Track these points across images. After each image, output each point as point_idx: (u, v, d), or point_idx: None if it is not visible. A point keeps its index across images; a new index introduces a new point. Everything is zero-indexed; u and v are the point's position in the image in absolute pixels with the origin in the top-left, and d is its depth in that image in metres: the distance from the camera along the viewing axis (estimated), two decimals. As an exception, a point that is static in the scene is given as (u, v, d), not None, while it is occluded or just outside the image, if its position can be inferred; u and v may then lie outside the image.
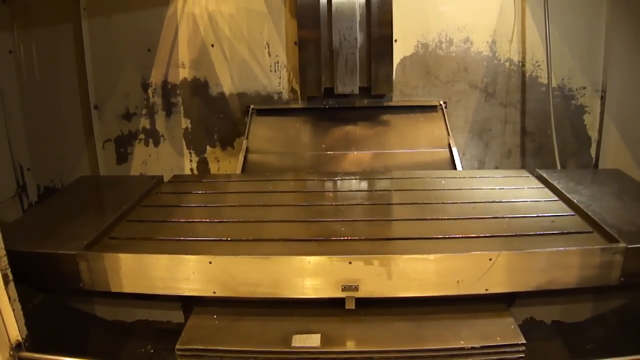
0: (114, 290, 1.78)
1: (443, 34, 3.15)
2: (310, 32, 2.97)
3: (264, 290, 1.74)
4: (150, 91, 3.26)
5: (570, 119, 3.21)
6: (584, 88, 3.17)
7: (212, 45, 3.20)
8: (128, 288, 1.78)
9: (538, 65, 3.14)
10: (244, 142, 3.05)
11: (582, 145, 3.22)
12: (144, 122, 3.32)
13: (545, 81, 3.11)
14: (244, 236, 1.89)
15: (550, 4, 3.02)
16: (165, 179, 2.61)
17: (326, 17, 2.90)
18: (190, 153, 3.34)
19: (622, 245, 1.73)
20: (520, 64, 3.16)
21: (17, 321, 1.57)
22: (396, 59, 3.16)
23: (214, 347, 1.68)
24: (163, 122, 3.31)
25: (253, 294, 1.75)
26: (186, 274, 1.74)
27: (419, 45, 3.17)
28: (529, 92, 3.17)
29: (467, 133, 3.27)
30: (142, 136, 3.33)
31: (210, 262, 1.71)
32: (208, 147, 3.34)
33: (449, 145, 2.96)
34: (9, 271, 1.54)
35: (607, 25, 3.10)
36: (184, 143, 3.33)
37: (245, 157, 2.98)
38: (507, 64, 3.17)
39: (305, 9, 2.94)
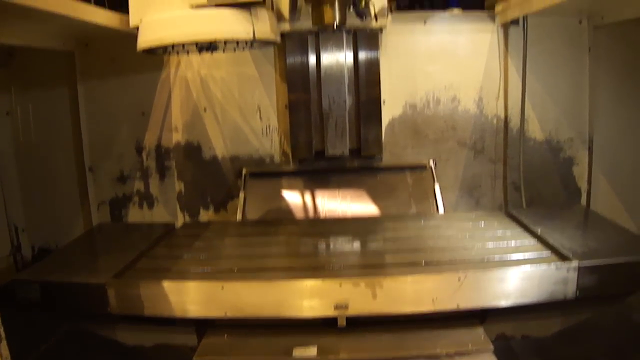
0: (137, 313, 2.68)
1: (430, 93, 4.09)
2: (300, 95, 3.87)
3: (268, 311, 2.63)
4: (144, 154, 4.15)
5: (559, 171, 4.10)
6: (571, 140, 4.07)
7: (205, 109, 4.11)
8: (150, 312, 2.66)
9: (525, 120, 4.04)
10: (239, 204, 3.93)
11: (573, 197, 4.10)
12: (138, 185, 4.19)
13: (533, 135, 4.07)
14: (250, 267, 2.82)
15: (533, 59, 3.96)
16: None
17: (315, 80, 3.82)
18: (184, 216, 4.19)
19: (574, 263, 2.65)
20: (507, 119, 4.10)
21: None
22: (385, 120, 4.06)
23: (227, 357, 2.56)
24: (157, 185, 4.18)
25: (259, 314, 2.64)
26: (201, 298, 2.64)
27: (407, 106, 4.11)
28: (517, 147, 4.05)
29: (457, 191, 4.17)
30: (136, 199, 4.20)
31: (222, 288, 2.61)
32: (202, 209, 4.20)
33: (437, 204, 3.86)
34: (2, 330, 1.91)
35: (591, 77, 4.00)
36: (177, 206, 4.19)
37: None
38: (495, 120, 4.11)
39: (295, 73, 3.86)
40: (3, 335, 1.92)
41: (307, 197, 4.00)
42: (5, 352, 1.93)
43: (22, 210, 4.04)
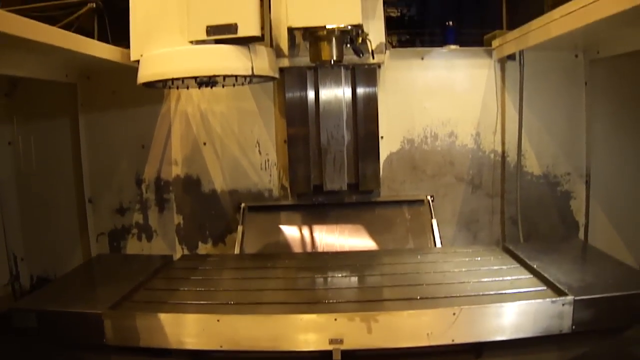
0: (133, 344, 2.69)
1: (428, 129, 4.18)
2: (299, 130, 3.96)
3: (264, 344, 2.63)
4: (143, 187, 4.23)
5: (556, 205, 4.17)
6: (569, 174, 4.15)
7: (204, 144, 4.19)
8: (145, 343, 2.66)
9: (522, 155, 4.13)
10: (237, 238, 3.96)
11: (570, 231, 4.16)
12: (137, 217, 4.26)
13: (530, 169, 4.14)
14: (247, 300, 2.84)
15: (530, 94, 4.06)
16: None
17: (314, 116, 3.90)
18: (182, 249, 4.25)
19: (569, 297, 2.67)
20: (505, 154, 4.18)
21: None
22: (383, 155, 4.14)
23: (222, 391, 2.58)
24: (156, 217, 4.25)
25: (254, 348, 2.64)
26: (197, 330, 2.64)
27: (405, 141, 4.20)
28: (514, 182, 4.12)
29: (455, 225, 4.23)
30: (135, 231, 4.27)
31: (218, 320, 2.61)
32: (200, 242, 4.26)
33: (434, 239, 3.90)
34: None
35: (587, 111, 4.09)
36: (176, 239, 4.25)
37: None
38: (492, 155, 4.19)
39: (293, 108, 3.95)
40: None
41: (305, 231, 4.05)
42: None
43: (22, 240, 4.10)
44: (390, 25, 5.06)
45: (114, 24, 4.58)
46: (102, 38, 3.99)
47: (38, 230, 4.21)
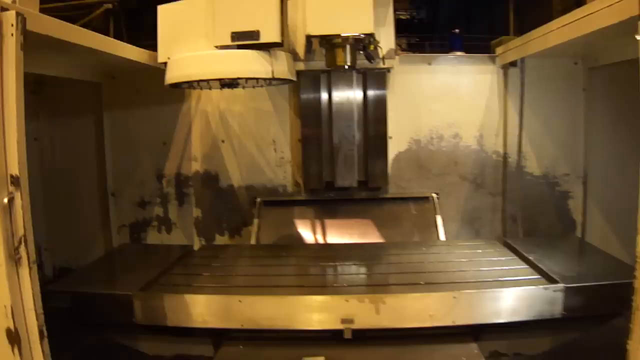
0: (160, 323, 2.99)
1: (434, 130, 4.45)
2: (313, 130, 4.25)
3: (281, 323, 2.93)
4: (164, 181, 4.50)
5: (555, 204, 4.42)
6: (567, 175, 4.39)
7: (223, 141, 4.46)
8: (172, 322, 2.97)
9: (523, 156, 4.39)
10: (253, 231, 4.26)
11: (568, 229, 4.40)
12: (158, 210, 4.53)
13: (530, 170, 4.40)
14: (264, 284, 3.14)
15: (531, 99, 4.33)
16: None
17: (327, 117, 4.17)
18: (200, 240, 4.51)
19: (560, 285, 2.96)
20: (507, 155, 4.44)
21: None
22: (391, 155, 4.41)
23: (242, 366, 2.88)
24: (175, 210, 4.52)
25: (272, 326, 2.93)
26: (220, 310, 2.95)
27: (412, 142, 4.46)
28: (515, 181, 4.39)
29: (458, 222, 4.50)
30: (155, 223, 4.54)
31: (240, 301, 2.92)
32: (217, 235, 4.52)
33: (438, 233, 4.18)
34: (44, 328, 2.23)
35: (585, 116, 4.33)
36: (194, 231, 4.51)
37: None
38: (494, 155, 4.46)
39: (308, 109, 4.24)
40: (46, 333, 2.25)
41: (317, 224, 4.33)
42: (47, 349, 2.26)
43: (45, 231, 4.35)
44: (400, 27, 5.32)
45: (129, 24, 4.89)
46: (117, 38, 4.23)
47: (61, 222, 4.45)
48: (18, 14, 2.13)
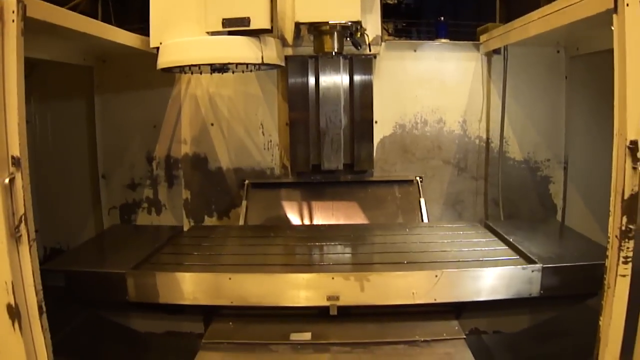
0: (153, 301, 3.10)
1: (418, 115, 4.56)
2: (300, 114, 4.35)
3: (269, 300, 3.05)
4: (154, 164, 4.58)
5: (536, 189, 4.57)
6: (548, 160, 4.54)
7: (212, 124, 4.54)
8: (164, 299, 3.08)
9: (505, 141, 4.52)
10: (241, 212, 4.37)
11: (549, 213, 4.55)
12: (148, 192, 4.62)
13: (512, 155, 4.54)
14: (253, 263, 3.27)
15: (513, 86, 4.45)
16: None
17: (314, 101, 4.28)
18: (189, 222, 4.60)
19: (538, 265, 3.10)
20: (489, 140, 4.57)
21: (46, 348, 2.33)
22: (376, 139, 4.52)
23: (231, 341, 2.99)
24: (165, 192, 4.61)
25: (261, 303, 3.06)
26: (210, 287, 3.06)
27: (397, 126, 4.58)
28: (497, 166, 4.51)
29: (441, 204, 4.63)
30: (145, 205, 4.63)
31: (230, 279, 3.03)
32: (206, 216, 4.62)
33: (422, 216, 4.33)
34: (43, 304, 2.33)
35: (567, 103, 4.46)
36: (183, 212, 4.60)
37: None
38: (477, 140, 4.59)
39: (295, 93, 4.34)
40: (44, 309, 2.36)
41: (304, 206, 4.45)
42: (45, 324, 2.36)
43: (37, 212, 4.43)
44: (388, 12, 5.45)
45: (115, 7, 4.95)
46: (105, 21, 4.29)
47: (52, 204, 4.52)
48: (19, 1, 2.20)
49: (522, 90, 4.53)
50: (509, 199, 4.57)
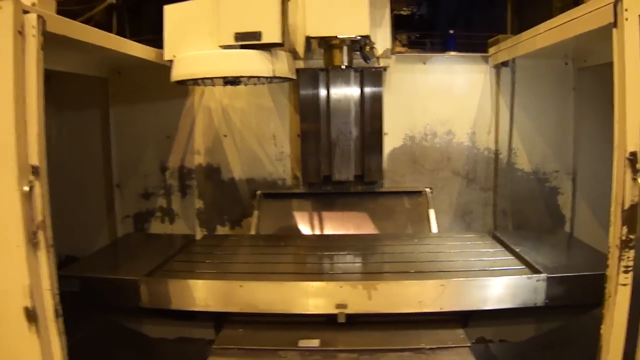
0: (165, 307, 3.19)
1: (428, 127, 4.62)
2: (311, 125, 4.42)
3: (279, 307, 3.13)
4: (167, 174, 4.67)
5: (544, 200, 4.59)
6: (557, 171, 4.56)
7: (225, 136, 4.63)
8: (176, 306, 3.17)
9: (514, 153, 4.57)
10: (253, 222, 4.44)
11: (557, 224, 4.57)
12: (161, 202, 4.71)
13: (521, 166, 4.57)
14: (263, 271, 3.35)
15: (522, 97, 4.49)
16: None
17: (325, 113, 4.36)
18: (202, 231, 4.68)
19: (543, 275, 3.16)
20: (498, 152, 4.61)
21: (62, 351, 2.39)
22: (386, 150, 4.59)
23: (241, 347, 3.07)
24: (178, 202, 4.70)
25: (270, 310, 3.13)
26: (221, 294, 3.14)
27: (407, 138, 4.63)
28: (506, 177, 4.57)
29: (451, 215, 4.68)
30: (158, 214, 4.72)
31: (241, 286, 3.12)
32: (218, 226, 4.69)
33: (431, 227, 4.37)
34: (59, 307, 2.39)
35: (575, 115, 4.48)
36: (196, 222, 4.69)
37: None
38: (486, 152, 4.63)
39: (307, 105, 4.41)
40: (61, 312, 2.43)
41: (315, 216, 4.53)
42: (61, 327, 2.43)
43: (53, 220, 4.51)
44: (401, 23, 5.51)
45: (130, 18, 5.04)
46: (120, 32, 4.43)
47: (67, 212, 4.58)
48: (39, 16, 2.31)
49: (531, 102, 4.55)
50: (517, 209, 4.61)
